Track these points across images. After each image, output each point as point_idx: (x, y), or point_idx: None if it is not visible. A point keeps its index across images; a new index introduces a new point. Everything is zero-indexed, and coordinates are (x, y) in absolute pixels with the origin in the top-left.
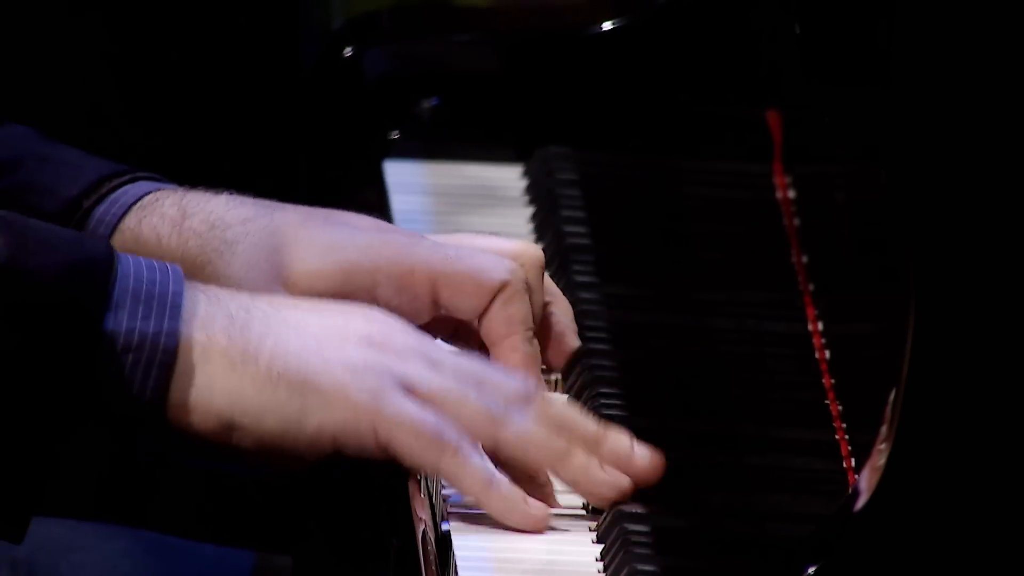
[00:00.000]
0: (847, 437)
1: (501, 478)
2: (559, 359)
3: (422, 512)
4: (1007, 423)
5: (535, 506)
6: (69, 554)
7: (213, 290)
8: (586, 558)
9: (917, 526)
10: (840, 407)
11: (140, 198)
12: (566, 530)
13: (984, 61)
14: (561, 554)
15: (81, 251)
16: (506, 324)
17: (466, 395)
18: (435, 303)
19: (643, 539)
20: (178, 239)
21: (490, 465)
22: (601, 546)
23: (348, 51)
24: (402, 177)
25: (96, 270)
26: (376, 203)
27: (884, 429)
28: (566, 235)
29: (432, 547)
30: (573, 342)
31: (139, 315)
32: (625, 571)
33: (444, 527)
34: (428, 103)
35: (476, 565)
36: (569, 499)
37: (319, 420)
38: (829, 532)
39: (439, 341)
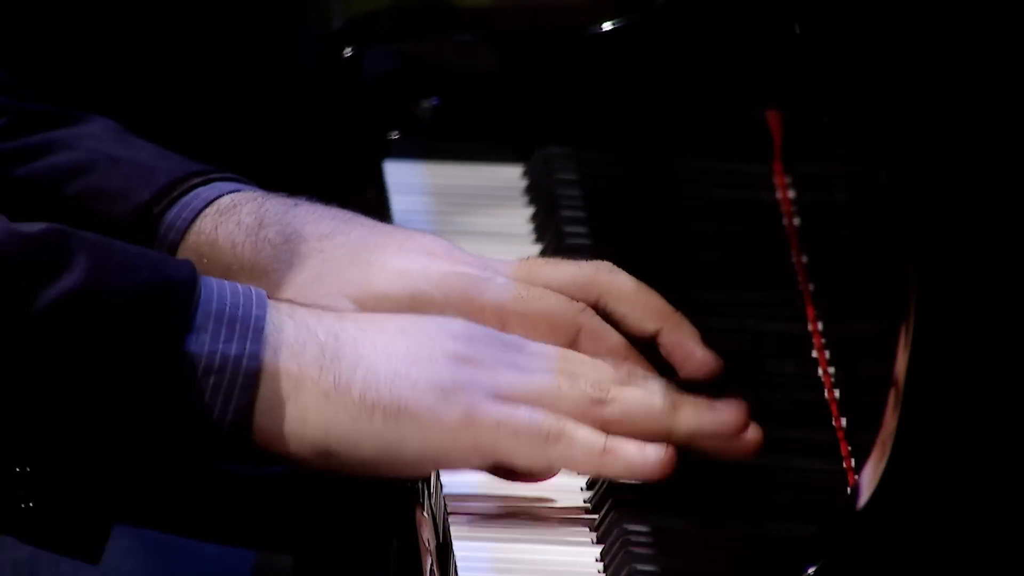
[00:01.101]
0: (847, 437)
1: (613, 442)
2: (697, 370)
3: (422, 512)
4: (1007, 423)
5: (653, 453)
6: None
7: (299, 313)
8: (586, 558)
9: (917, 526)
10: (840, 407)
11: (213, 201)
12: (566, 530)
13: (984, 61)
14: (561, 554)
15: (164, 272)
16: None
17: (559, 386)
18: None
19: (643, 539)
20: (252, 249)
21: (597, 434)
22: (601, 546)
23: (348, 51)
24: (402, 177)
25: (178, 291)
26: (376, 203)
27: (884, 429)
28: (566, 235)
29: (432, 547)
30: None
31: (221, 337)
32: (625, 571)
33: (444, 527)
34: (428, 103)
35: (476, 565)
36: (569, 499)
37: (418, 446)
38: (829, 532)
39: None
